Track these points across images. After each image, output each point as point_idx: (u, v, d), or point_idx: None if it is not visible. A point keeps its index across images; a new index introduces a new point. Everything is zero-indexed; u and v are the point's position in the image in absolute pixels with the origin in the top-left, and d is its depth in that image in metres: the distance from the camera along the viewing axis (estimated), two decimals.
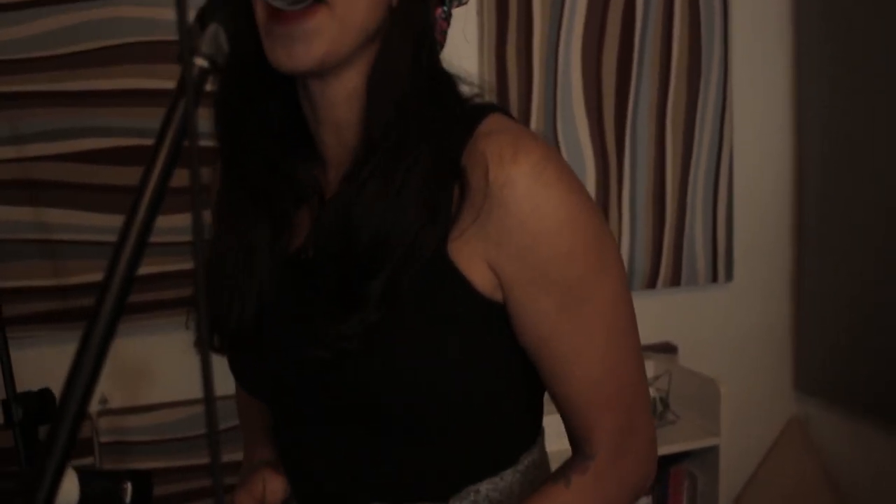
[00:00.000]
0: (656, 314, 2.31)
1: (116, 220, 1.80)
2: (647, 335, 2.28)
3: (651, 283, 2.27)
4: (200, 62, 0.71)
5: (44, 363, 1.83)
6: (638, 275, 2.25)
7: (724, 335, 2.39)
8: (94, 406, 1.87)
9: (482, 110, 1.01)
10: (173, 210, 1.52)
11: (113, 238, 1.81)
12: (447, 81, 1.03)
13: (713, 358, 2.37)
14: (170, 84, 1.83)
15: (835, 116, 2.30)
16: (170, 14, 1.83)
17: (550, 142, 2.14)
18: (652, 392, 2.15)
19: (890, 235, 2.16)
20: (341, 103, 1.00)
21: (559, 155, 0.99)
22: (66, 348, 1.81)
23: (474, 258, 0.95)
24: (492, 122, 0.99)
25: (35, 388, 1.64)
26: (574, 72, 2.15)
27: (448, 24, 1.08)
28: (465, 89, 1.07)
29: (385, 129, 0.96)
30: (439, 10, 1.04)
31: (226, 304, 1.02)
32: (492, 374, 0.98)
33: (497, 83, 2.09)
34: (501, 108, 1.04)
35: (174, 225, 1.72)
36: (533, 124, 2.12)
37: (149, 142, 1.77)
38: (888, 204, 2.15)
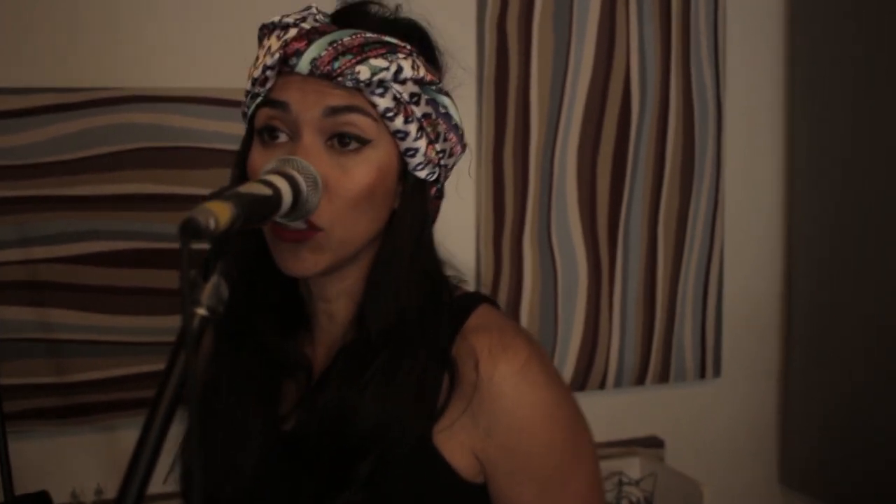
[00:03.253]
0: (644, 409, 2.36)
1: (118, 321, 1.87)
2: (635, 429, 2.33)
3: (640, 380, 2.32)
4: (201, 312, 0.76)
5: (45, 457, 1.89)
6: (627, 372, 2.30)
7: (711, 429, 2.43)
8: (88, 496, 1.91)
9: (471, 301, 1.08)
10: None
11: (114, 337, 1.85)
12: (439, 271, 1.09)
13: (700, 452, 2.41)
14: (174, 189, 1.89)
15: (826, 219, 2.34)
16: (175, 120, 1.88)
17: (544, 245, 2.18)
18: (637, 493, 2.19)
19: (876, 334, 2.20)
20: (339, 297, 1.07)
21: (542, 349, 1.06)
22: (67, 441, 1.86)
23: (461, 446, 1.02)
24: (481, 315, 1.06)
25: (34, 488, 1.70)
26: (569, 176, 2.20)
27: (441, 200, 1.13)
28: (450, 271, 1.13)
29: (382, 327, 1.02)
30: (434, 190, 1.09)
31: (219, 479, 1.07)
32: None
33: (493, 186, 2.14)
34: (488, 297, 1.11)
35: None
36: (528, 227, 2.17)
37: (151, 245, 1.85)
38: (876, 303, 2.19)
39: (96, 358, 1.89)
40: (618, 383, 2.30)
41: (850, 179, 2.26)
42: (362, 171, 0.98)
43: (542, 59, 2.16)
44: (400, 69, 0.98)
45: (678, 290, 2.33)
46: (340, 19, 1.06)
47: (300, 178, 0.89)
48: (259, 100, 1.02)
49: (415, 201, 1.04)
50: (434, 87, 1.04)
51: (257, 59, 1.03)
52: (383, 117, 0.99)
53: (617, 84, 2.23)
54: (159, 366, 1.91)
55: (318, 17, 1.05)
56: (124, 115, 1.85)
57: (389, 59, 0.98)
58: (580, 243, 2.22)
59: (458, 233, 2.14)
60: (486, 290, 2.13)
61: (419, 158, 1.02)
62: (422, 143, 1.02)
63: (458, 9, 2.12)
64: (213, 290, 0.76)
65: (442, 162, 1.05)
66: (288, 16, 1.04)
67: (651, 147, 2.27)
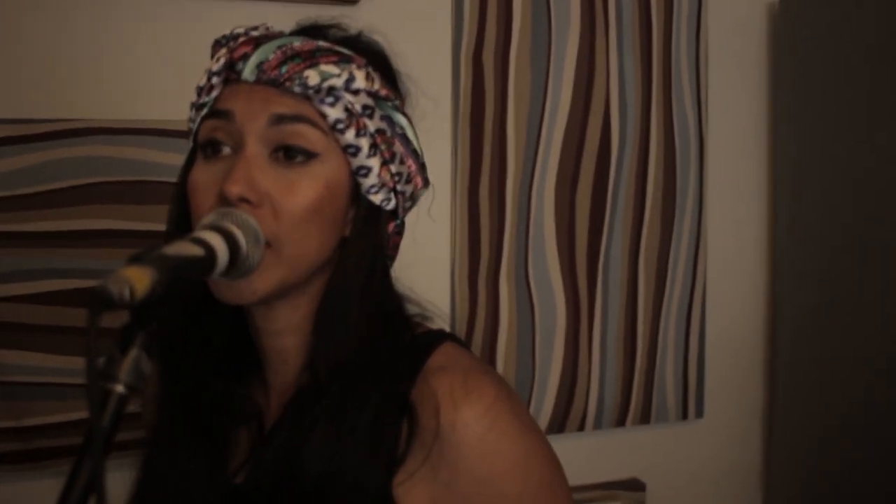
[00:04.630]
0: (625, 451, 2.29)
1: (75, 363, 1.79)
2: (615, 472, 2.26)
3: (620, 422, 2.25)
4: (119, 389, 0.69)
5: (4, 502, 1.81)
6: (607, 413, 2.23)
7: (693, 472, 2.37)
8: None
9: (433, 340, 1.00)
10: None
11: (72, 380, 1.78)
12: (397, 306, 1.01)
13: (682, 494, 2.34)
14: (135, 225, 1.82)
15: (810, 256, 2.30)
16: (139, 153, 1.81)
17: (521, 282, 2.12)
18: None
19: (862, 375, 2.15)
20: (287, 332, 0.98)
21: (511, 391, 0.98)
22: (26, 486, 1.79)
23: (423, 499, 0.93)
24: (443, 354, 0.98)
25: None
26: (547, 212, 2.14)
27: (401, 237, 1.07)
28: (412, 308, 1.06)
29: (333, 366, 0.94)
30: (392, 225, 1.02)
31: None
32: None
33: (469, 224, 2.07)
34: (451, 335, 1.03)
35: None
36: (504, 265, 2.10)
37: None
38: (862, 342, 2.14)
39: (54, 401, 1.81)
40: (597, 425, 2.23)
41: (836, 217, 2.22)
42: (308, 186, 0.91)
43: (519, 92, 2.11)
44: (352, 77, 0.92)
45: (659, 329, 2.27)
46: (296, 33, 1.00)
47: (238, 234, 0.82)
48: (204, 111, 0.95)
49: (368, 228, 0.97)
50: (390, 104, 0.97)
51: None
52: (333, 129, 0.92)
53: (596, 118, 2.18)
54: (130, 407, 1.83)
55: (270, 28, 0.99)
56: (82, 148, 1.78)
57: (342, 66, 0.92)
58: (558, 281, 2.16)
59: (432, 270, 2.09)
60: (461, 328, 2.07)
61: (372, 179, 0.95)
62: (375, 162, 0.95)
63: (432, 41, 2.07)
64: (132, 364, 0.69)
65: (398, 188, 0.98)
66: (240, 27, 0.98)
67: (631, 183, 2.22)
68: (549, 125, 2.14)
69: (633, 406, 2.26)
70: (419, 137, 1.03)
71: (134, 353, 0.69)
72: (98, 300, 0.63)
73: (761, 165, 2.42)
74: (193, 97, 0.97)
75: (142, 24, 1.83)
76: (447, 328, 1.05)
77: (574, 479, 2.19)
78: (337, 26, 1.02)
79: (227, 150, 0.93)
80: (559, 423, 2.19)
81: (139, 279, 0.66)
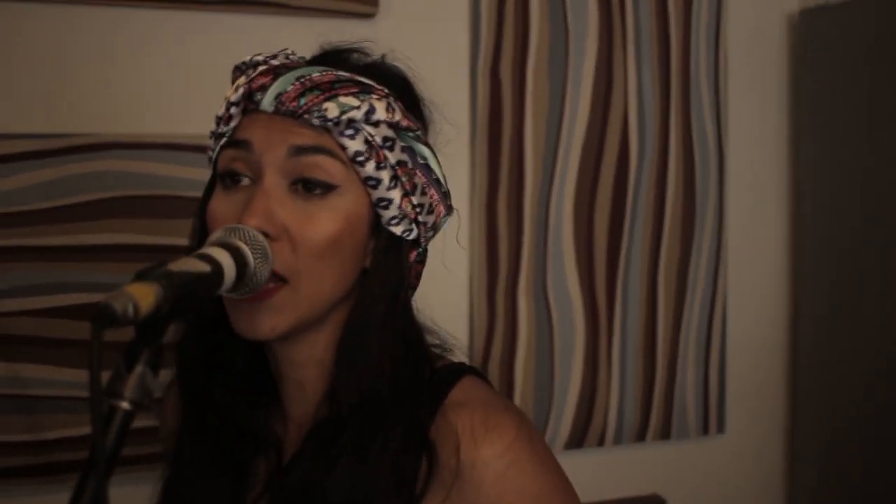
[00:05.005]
0: (645, 467, 2.27)
1: None
2: (635, 488, 2.24)
3: (640, 437, 2.23)
4: (124, 406, 0.69)
5: None
6: (627, 429, 2.21)
7: (715, 488, 2.34)
8: None
9: (453, 373, 0.98)
10: None
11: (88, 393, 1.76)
12: (418, 339, 1.00)
13: None
14: (153, 239, 1.82)
15: (832, 267, 2.28)
16: (152, 167, 1.82)
17: (539, 296, 2.11)
18: None
19: (888, 388, 2.12)
20: (308, 364, 0.97)
21: (531, 428, 0.96)
22: (44, 499, 1.79)
23: None
24: (463, 388, 0.96)
25: None
26: (565, 226, 2.13)
27: (423, 265, 1.05)
28: (433, 339, 1.04)
29: (354, 399, 0.93)
30: (414, 254, 1.00)
31: None
32: None
33: (487, 238, 2.06)
34: (472, 368, 1.01)
35: None
36: (522, 279, 2.09)
37: None
38: (885, 355, 2.11)
39: (71, 414, 1.81)
40: (617, 440, 2.21)
41: (857, 228, 2.20)
42: (327, 219, 0.90)
43: (536, 105, 2.10)
44: (372, 109, 0.90)
45: (679, 344, 2.25)
46: (316, 61, 0.99)
47: (246, 250, 0.81)
48: (223, 141, 0.94)
49: (389, 259, 0.95)
50: (412, 135, 0.95)
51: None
52: (353, 161, 0.91)
53: (614, 131, 2.16)
54: (138, 422, 1.84)
55: (290, 56, 0.98)
56: (97, 163, 1.79)
57: (361, 98, 0.90)
58: (577, 294, 2.14)
59: (450, 284, 2.08)
60: (479, 343, 2.06)
61: (393, 211, 0.93)
62: (396, 194, 0.93)
63: (449, 55, 2.07)
64: (137, 381, 0.68)
65: (420, 218, 0.96)
66: (260, 55, 0.97)
67: (650, 195, 2.20)
68: (566, 138, 2.13)
69: (653, 421, 2.24)
70: (442, 165, 1.01)
71: (139, 369, 0.68)
72: (101, 317, 0.62)
73: (782, 176, 2.40)
74: (213, 126, 0.97)
75: (154, 40, 1.83)
76: (467, 360, 1.04)
77: (593, 494, 2.18)
78: (359, 50, 1.01)
79: (245, 180, 0.92)
80: (578, 439, 2.17)
81: (144, 296, 0.65)
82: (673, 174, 2.22)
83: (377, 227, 0.94)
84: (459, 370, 0.98)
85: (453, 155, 2.09)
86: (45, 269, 1.77)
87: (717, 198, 2.27)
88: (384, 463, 0.89)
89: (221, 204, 0.91)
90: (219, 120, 0.94)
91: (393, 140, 0.92)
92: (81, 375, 1.80)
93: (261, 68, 0.92)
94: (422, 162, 0.96)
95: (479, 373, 1.01)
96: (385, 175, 0.91)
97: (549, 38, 2.10)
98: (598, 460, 2.22)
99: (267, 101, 0.90)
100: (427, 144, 0.97)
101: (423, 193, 0.95)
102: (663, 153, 2.21)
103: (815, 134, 2.32)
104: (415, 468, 0.90)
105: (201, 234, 0.93)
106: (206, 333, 0.97)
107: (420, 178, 0.95)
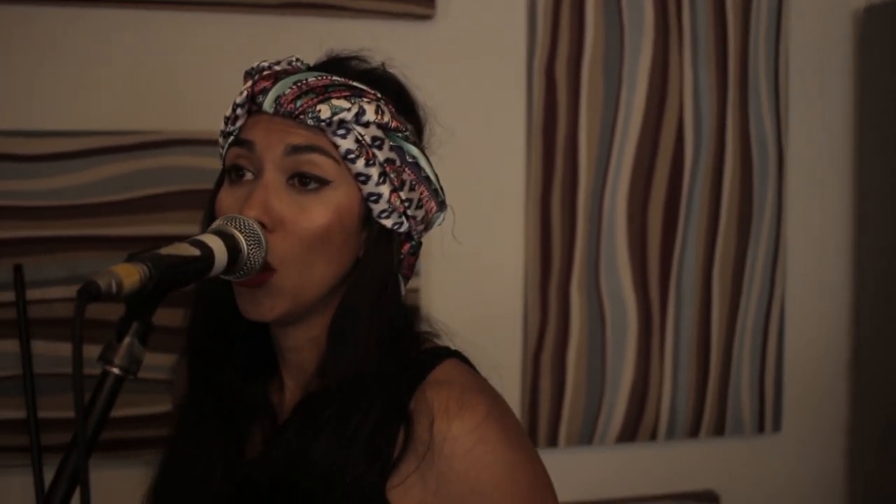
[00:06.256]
0: (699, 462, 2.28)
1: (158, 359, 1.90)
2: (688, 483, 2.26)
3: (693, 432, 2.25)
4: (115, 371, 0.77)
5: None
6: (680, 424, 2.23)
7: (771, 487, 2.34)
8: None
9: (436, 355, 1.06)
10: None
11: (150, 375, 1.87)
12: (406, 323, 1.08)
13: None
14: None
15: (894, 268, 2.25)
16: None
17: (592, 292, 2.15)
18: None
19: None
20: (304, 347, 1.07)
21: (504, 409, 1.03)
22: (112, 473, 1.89)
23: (411, 502, 0.99)
24: (444, 370, 1.05)
25: None
26: (619, 222, 2.16)
27: (416, 257, 1.13)
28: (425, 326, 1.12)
29: (342, 376, 1.02)
30: (407, 246, 1.08)
31: (173, 494, 1.09)
32: None
33: (540, 234, 2.11)
34: (456, 351, 1.09)
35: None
36: (575, 275, 2.13)
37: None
38: None
39: (133, 395, 1.93)
40: (670, 435, 2.24)
41: None
42: (319, 211, 0.99)
43: (591, 104, 2.14)
44: (362, 111, 0.99)
45: (734, 340, 2.26)
46: (318, 68, 1.08)
47: (240, 237, 0.90)
48: (231, 139, 1.04)
49: (379, 249, 1.04)
50: (400, 135, 1.04)
51: None
52: (345, 159, 1.00)
53: (669, 130, 2.19)
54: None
55: (294, 62, 1.07)
56: (168, 159, 1.90)
57: (352, 101, 0.99)
58: (630, 290, 2.18)
59: (506, 278, 2.14)
60: (531, 337, 2.11)
61: (383, 205, 1.02)
62: (384, 189, 1.02)
63: (507, 55, 2.12)
64: (126, 350, 0.77)
65: (409, 212, 1.05)
66: (265, 61, 1.06)
67: (705, 193, 2.22)
68: (620, 137, 2.16)
69: (707, 418, 2.25)
70: (433, 164, 1.10)
71: (128, 340, 0.77)
72: (86, 292, 0.71)
73: (845, 176, 2.38)
74: (222, 125, 1.06)
75: (219, 43, 1.93)
76: (452, 345, 1.12)
77: (646, 488, 2.22)
78: (359, 58, 1.11)
79: (249, 175, 1.02)
80: (630, 432, 2.20)
81: (128, 274, 0.73)
82: (729, 173, 2.23)
83: (369, 219, 1.03)
84: (443, 353, 1.07)
85: (504, 144, 2.14)
86: (115, 259, 1.88)
87: (776, 197, 2.27)
88: (363, 433, 0.98)
89: (227, 196, 1.01)
90: (227, 120, 1.04)
91: (382, 140, 1.00)
92: (149, 359, 1.91)
93: (265, 72, 1.02)
94: (410, 160, 1.04)
95: (463, 356, 1.09)
96: (374, 171, 1.00)
97: (605, 37, 2.14)
98: (651, 454, 2.24)
99: (268, 103, 0.99)
100: (416, 145, 1.05)
101: (412, 189, 1.03)
102: (719, 152, 2.22)
103: (880, 133, 2.30)
104: (393, 439, 0.99)
105: (210, 223, 1.02)
106: (214, 316, 1.07)
107: (408, 175, 1.03)
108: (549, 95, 2.12)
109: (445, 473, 0.98)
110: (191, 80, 1.91)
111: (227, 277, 0.94)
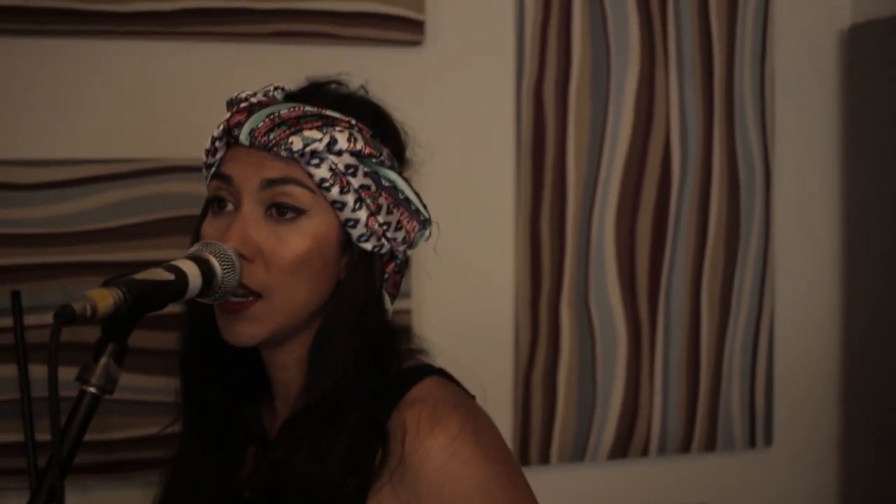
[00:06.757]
0: (690, 477, 2.31)
1: (154, 381, 1.94)
2: (681, 497, 2.28)
3: (685, 448, 2.27)
4: (91, 390, 0.81)
5: None
6: (671, 439, 2.26)
7: (763, 502, 2.36)
8: None
9: (418, 374, 1.10)
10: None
11: (151, 397, 1.92)
12: (389, 342, 1.11)
13: None
14: None
15: (884, 283, 2.28)
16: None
17: (582, 310, 2.18)
18: None
19: None
20: (289, 366, 1.11)
21: (479, 424, 1.06)
22: (111, 495, 1.92)
23: None
24: (423, 387, 1.08)
25: None
26: (607, 240, 2.19)
27: (402, 276, 1.16)
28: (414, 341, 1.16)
29: (322, 396, 1.05)
30: (392, 265, 1.12)
31: None
32: None
33: (531, 253, 2.15)
34: (439, 369, 1.12)
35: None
36: (565, 293, 2.16)
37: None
38: None
39: (136, 417, 1.97)
40: (661, 451, 2.26)
41: None
42: (297, 240, 1.03)
43: (579, 125, 2.18)
44: (334, 140, 1.03)
45: (724, 355, 2.29)
46: (293, 96, 1.12)
47: (214, 262, 0.94)
48: (212, 171, 1.08)
49: (359, 272, 1.07)
50: (375, 161, 1.07)
51: None
52: (320, 187, 1.03)
53: (656, 149, 2.22)
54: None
55: (271, 93, 1.11)
56: (163, 185, 1.94)
57: (324, 130, 1.03)
58: (619, 307, 2.21)
59: (497, 297, 2.17)
60: (523, 354, 2.14)
61: (360, 230, 1.06)
62: (361, 214, 1.05)
63: (496, 78, 2.16)
64: (102, 370, 0.80)
65: (388, 235, 1.08)
66: (244, 92, 1.10)
67: (693, 210, 2.25)
68: (609, 155, 2.20)
69: (698, 433, 2.28)
70: (412, 185, 1.13)
71: (104, 360, 0.80)
72: (61, 315, 0.74)
73: (833, 192, 2.41)
74: (203, 157, 1.11)
75: (210, 72, 1.97)
76: (435, 363, 1.15)
77: (638, 503, 2.22)
78: (337, 82, 1.14)
79: (230, 206, 1.07)
80: (622, 449, 2.23)
81: (102, 298, 0.77)
82: (717, 190, 2.27)
83: (349, 244, 1.06)
84: (425, 371, 1.10)
85: (494, 165, 2.17)
86: None
87: (764, 213, 2.30)
88: (340, 449, 1.02)
89: (209, 226, 1.06)
90: (207, 152, 1.08)
91: (356, 167, 1.04)
92: (145, 381, 1.95)
93: (242, 104, 1.06)
94: (387, 184, 1.07)
95: (446, 374, 1.11)
96: (350, 198, 1.03)
97: (591, 59, 2.18)
98: (643, 470, 2.27)
99: (243, 136, 1.03)
100: (393, 168, 1.08)
101: (389, 213, 1.07)
102: (706, 170, 2.26)
103: (867, 150, 2.33)
104: (371, 455, 1.03)
105: None
106: (204, 339, 1.11)
107: (385, 199, 1.06)
108: (537, 117, 2.16)
109: (417, 487, 1.01)
110: (182, 109, 1.95)
111: (203, 300, 0.97)
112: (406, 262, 1.16)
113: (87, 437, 1.89)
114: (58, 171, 1.89)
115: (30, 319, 1.89)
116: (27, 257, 1.88)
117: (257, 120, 1.03)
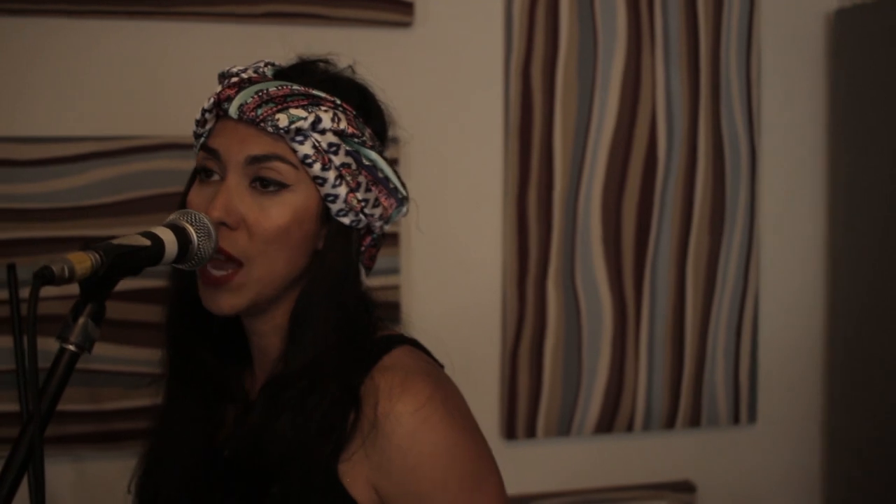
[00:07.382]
0: (675, 452, 2.35)
1: (148, 353, 1.99)
2: (666, 473, 2.32)
3: (669, 424, 2.32)
4: (70, 347, 0.85)
5: (78, 480, 2.02)
6: (655, 415, 2.30)
7: (747, 476, 2.40)
8: None
9: (389, 342, 1.15)
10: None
11: (144, 369, 1.96)
12: (363, 312, 1.16)
13: (736, 499, 2.38)
14: None
15: (868, 264, 2.31)
16: None
17: (568, 287, 2.22)
18: None
19: None
20: (269, 334, 1.16)
21: (448, 392, 1.11)
22: (104, 464, 1.96)
23: (359, 478, 1.09)
24: (394, 356, 1.13)
25: None
26: (593, 219, 2.23)
27: (378, 249, 1.21)
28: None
29: (301, 363, 1.10)
30: (368, 239, 1.17)
31: (157, 488, 1.18)
32: None
33: (518, 231, 2.19)
34: (411, 339, 1.17)
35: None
36: (552, 271, 2.20)
37: None
38: None
39: (128, 388, 2.01)
40: (646, 426, 2.30)
41: (894, 226, 2.22)
42: (278, 212, 1.08)
43: (565, 104, 2.21)
44: (318, 119, 1.07)
45: (709, 333, 2.33)
46: (282, 73, 1.16)
47: (191, 230, 0.98)
48: (201, 142, 1.13)
49: (336, 244, 1.12)
50: (357, 140, 1.12)
51: None
52: (303, 163, 1.08)
53: (643, 130, 2.26)
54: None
55: (261, 69, 1.15)
56: (155, 162, 1.98)
57: (309, 109, 1.07)
58: (605, 285, 2.25)
59: (485, 274, 2.21)
60: (510, 331, 2.18)
61: (340, 205, 1.11)
62: (341, 190, 1.10)
63: (485, 58, 2.20)
64: (81, 329, 0.85)
65: (366, 211, 1.13)
66: (235, 67, 1.15)
67: (679, 191, 2.29)
68: (595, 136, 2.23)
69: (682, 409, 2.32)
70: (392, 165, 1.19)
71: (83, 320, 0.85)
72: (40, 276, 0.79)
73: (818, 175, 2.44)
74: (194, 127, 1.15)
75: (203, 51, 2.01)
76: (406, 332, 1.21)
77: (623, 478, 2.29)
78: (325, 61, 1.18)
79: (216, 176, 1.12)
80: (607, 423, 2.27)
81: (80, 261, 0.81)
82: (702, 173, 2.30)
83: (328, 217, 1.11)
84: (396, 339, 1.15)
85: (483, 144, 2.21)
86: None
87: (749, 196, 2.34)
88: (317, 414, 1.07)
89: (196, 195, 1.10)
90: (197, 123, 1.13)
91: (338, 145, 1.08)
92: (138, 353, 2.00)
93: (233, 79, 1.10)
94: (367, 163, 1.12)
95: (417, 343, 1.17)
96: (331, 175, 1.08)
97: (579, 40, 2.21)
98: (628, 445, 2.31)
99: (232, 110, 1.08)
100: (374, 148, 1.13)
101: (368, 190, 1.12)
102: (692, 151, 2.29)
103: (852, 133, 2.36)
104: (344, 419, 1.08)
105: None
106: (187, 308, 1.15)
107: (364, 177, 1.11)
108: (525, 98, 2.19)
109: (387, 451, 1.06)
110: (176, 87, 1.99)
111: (181, 266, 1.02)
112: (383, 237, 1.21)
113: (80, 407, 1.97)
114: (53, 147, 1.94)
115: (25, 293, 1.95)
116: (22, 232, 1.93)
117: (246, 96, 1.08)
